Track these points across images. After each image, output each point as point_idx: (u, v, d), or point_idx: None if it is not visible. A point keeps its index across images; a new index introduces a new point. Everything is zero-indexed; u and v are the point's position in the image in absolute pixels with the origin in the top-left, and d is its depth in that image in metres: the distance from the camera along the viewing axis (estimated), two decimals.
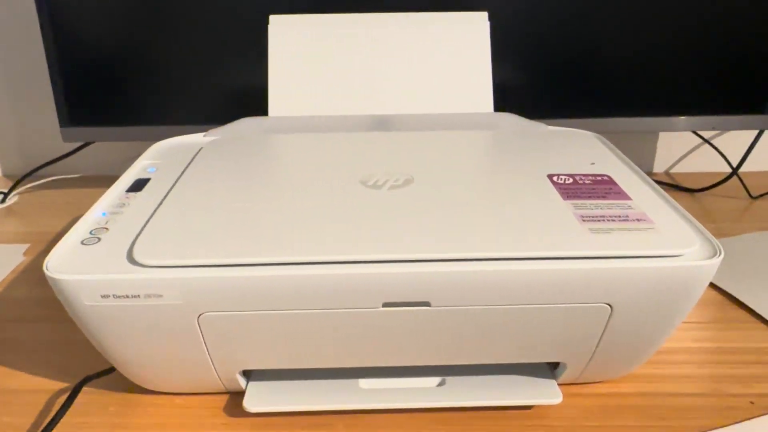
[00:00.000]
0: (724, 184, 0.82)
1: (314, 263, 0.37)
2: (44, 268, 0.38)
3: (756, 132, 0.79)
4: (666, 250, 0.38)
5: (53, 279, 0.37)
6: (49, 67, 0.72)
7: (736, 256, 0.65)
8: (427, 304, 0.38)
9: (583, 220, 0.41)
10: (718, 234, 0.69)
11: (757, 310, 0.56)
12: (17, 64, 0.87)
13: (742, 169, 0.82)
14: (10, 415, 0.45)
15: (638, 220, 0.41)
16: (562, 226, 0.40)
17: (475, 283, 0.38)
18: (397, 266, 0.37)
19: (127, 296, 0.37)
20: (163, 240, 0.39)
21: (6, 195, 0.84)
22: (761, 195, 0.81)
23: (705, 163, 0.89)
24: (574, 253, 0.38)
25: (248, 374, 0.46)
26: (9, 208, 0.82)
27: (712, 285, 0.60)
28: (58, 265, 0.38)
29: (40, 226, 0.76)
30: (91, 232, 0.42)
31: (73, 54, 0.73)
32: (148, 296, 0.37)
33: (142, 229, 0.41)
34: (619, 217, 0.41)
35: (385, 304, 0.38)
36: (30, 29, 0.83)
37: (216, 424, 0.44)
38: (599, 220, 0.41)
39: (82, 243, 0.40)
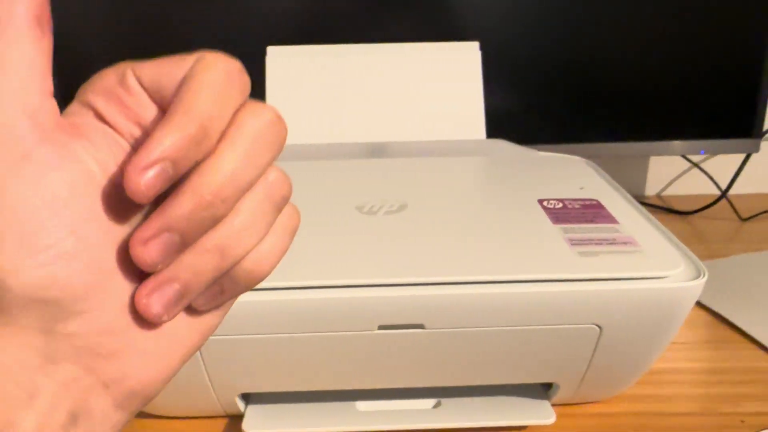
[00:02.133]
0: (714, 207, 0.83)
1: (311, 287, 0.38)
2: None
3: (744, 155, 0.81)
4: (652, 272, 0.39)
5: None
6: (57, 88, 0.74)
7: (727, 277, 0.66)
8: (421, 326, 0.39)
9: (572, 244, 0.42)
10: (709, 255, 0.70)
11: (747, 330, 0.57)
12: None
13: (731, 192, 0.83)
14: None
15: (625, 243, 0.42)
16: (552, 249, 0.42)
17: (468, 306, 0.39)
18: (391, 290, 0.38)
19: None
20: None
21: None
22: (750, 217, 0.82)
23: (695, 186, 0.90)
24: (564, 275, 0.39)
25: (247, 397, 0.46)
26: None
27: (702, 306, 0.61)
28: None
29: None
30: None
31: (76, 83, 0.74)
32: None
33: None
34: (607, 240, 0.43)
35: (381, 327, 0.39)
36: None
37: None
38: (587, 244, 0.42)
39: None
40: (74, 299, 0.19)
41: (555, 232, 0.44)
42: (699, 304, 0.61)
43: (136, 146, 0.21)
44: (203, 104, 0.19)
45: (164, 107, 0.21)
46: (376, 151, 0.63)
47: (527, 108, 0.76)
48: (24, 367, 0.19)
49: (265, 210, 0.21)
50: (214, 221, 0.20)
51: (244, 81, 0.21)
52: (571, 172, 0.56)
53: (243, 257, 0.21)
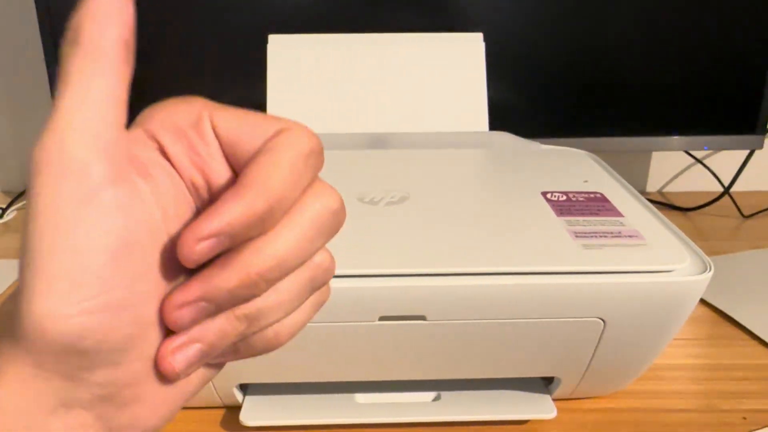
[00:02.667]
0: (716, 204, 0.83)
1: None
2: None
3: (747, 152, 0.81)
4: (657, 265, 0.39)
5: None
6: (50, 83, 0.73)
7: (728, 274, 0.65)
8: (423, 317, 0.39)
9: (576, 236, 0.42)
10: (711, 252, 0.68)
11: (749, 327, 0.56)
12: (17, 79, 0.88)
13: (733, 189, 0.83)
14: None
15: (630, 236, 0.42)
16: (556, 241, 0.41)
17: (471, 298, 0.38)
18: (393, 280, 0.38)
19: None
20: None
21: (4, 211, 0.84)
22: (753, 214, 0.81)
23: (697, 182, 0.90)
24: (568, 268, 0.38)
25: (245, 388, 0.46)
26: (7, 223, 0.82)
27: (704, 302, 0.61)
28: None
29: None
30: None
31: None
32: None
33: None
34: (612, 233, 0.42)
35: (382, 318, 0.39)
36: (32, 45, 0.84)
37: None
38: (592, 236, 0.42)
39: None
40: (110, 351, 0.19)
41: (559, 224, 0.43)
42: (701, 301, 0.61)
43: (195, 194, 0.20)
44: (278, 183, 0.19)
45: (233, 163, 0.20)
46: (378, 142, 0.62)
47: (530, 101, 0.75)
48: (38, 410, 0.19)
49: (303, 291, 0.21)
50: (252, 297, 0.20)
51: (320, 162, 0.21)
52: (574, 165, 0.56)
53: (267, 327, 0.21)
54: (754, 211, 0.82)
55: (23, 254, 0.18)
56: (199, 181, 0.20)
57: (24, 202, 0.85)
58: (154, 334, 0.20)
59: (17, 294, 0.18)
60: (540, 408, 0.45)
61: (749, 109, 0.76)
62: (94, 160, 0.17)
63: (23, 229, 0.18)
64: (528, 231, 0.42)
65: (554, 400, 0.46)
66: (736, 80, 0.75)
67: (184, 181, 0.20)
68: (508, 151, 0.60)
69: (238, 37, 0.72)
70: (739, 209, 0.82)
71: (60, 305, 0.17)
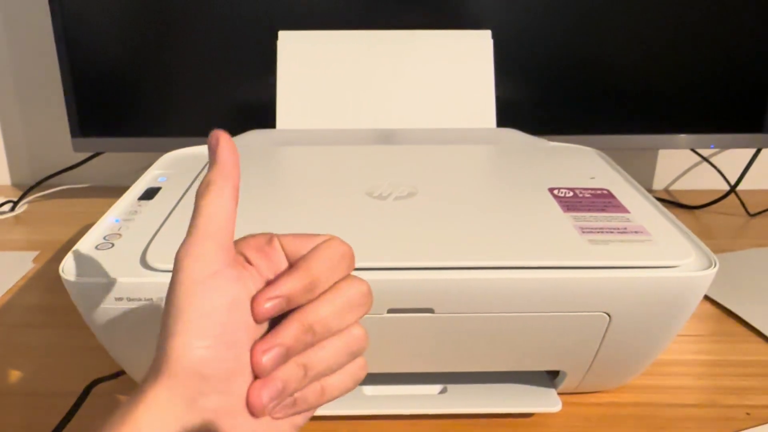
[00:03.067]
0: (722, 202, 0.83)
1: None
2: (60, 271, 0.39)
3: (754, 150, 0.81)
4: (663, 261, 0.39)
5: (69, 281, 0.38)
6: (62, 78, 0.74)
7: (733, 271, 0.66)
8: (430, 310, 0.39)
9: (583, 232, 0.42)
10: (716, 250, 0.69)
11: (753, 324, 0.57)
12: (29, 74, 0.88)
13: (740, 187, 0.83)
14: (21, 417, 0.46)
15: (636, 232, 0.42)
16: (563, 237, 0.42)
17: (478, 291, 0.39)
18: (402, 273, 0.38)
19: (141, 299, 0.38)
20: (175, 245, 0.40)
21: (15, 204, 0.85)
22: (759, 213, 0.82)
23: (703, 180, 0.90)
24: (574, 263, 0.39)
25: None
26: (18, 216, 0.83)
27: (709, 299, 0.61)
28: (74, 268, 0.39)
29: (49, 234, 0.77)
30: (104, 238, 0.43)
31: (85, 66, 0.74)
32: (161, 299, 0.38)
33: (155, 235, 0.42)
34: (618, 229, 0.43)
35: (390, 311, 0.39)
36: (43, 40, 0.85)
37: None
38: (598, 232, 0.42)
39: (96, 248, 0.41)
40: (220, 379, 0.26)
41: (565, 220, 0.44)
42: (706, 297, 0.61)
43: (265, 282, 0.29)
44: (317, 268, 0.29)
45: (292, 262, 0.30)
46: (387, 137, 0.63)
47: (537, 98, 0.76)
48: (164, 430, 0.25)
49: (341, 353, 0.29)
50: (307, 346, 0.28)
51: (351, 262, 0.30)
52: (581, 161, 0.56)
53: (317, 380, 0.29)
54: (760, 210, 0.82)
55: (167, 308, 0.27)
56: (271, 276, 0.29)
57: (34, 195, 0.86)
58: (247, 377, 0.28)
59: (160, 337, 0.26)
60: (545, 401, 0.45)
61: (756, 108, 0.76)
62: (219, 253, 0.28)
63: (168, 292, 0.27)
64: (535, 226, 0.43)
65: (559, 393, 0.46)
66: (743, 79, 0.75)
67: (262, 276, 0.29)
68: (515, 148, 0.60)
69: (249, 33, 0.73)
70: (745, 207, 0.83)
71: (192, 340, 0.26)
